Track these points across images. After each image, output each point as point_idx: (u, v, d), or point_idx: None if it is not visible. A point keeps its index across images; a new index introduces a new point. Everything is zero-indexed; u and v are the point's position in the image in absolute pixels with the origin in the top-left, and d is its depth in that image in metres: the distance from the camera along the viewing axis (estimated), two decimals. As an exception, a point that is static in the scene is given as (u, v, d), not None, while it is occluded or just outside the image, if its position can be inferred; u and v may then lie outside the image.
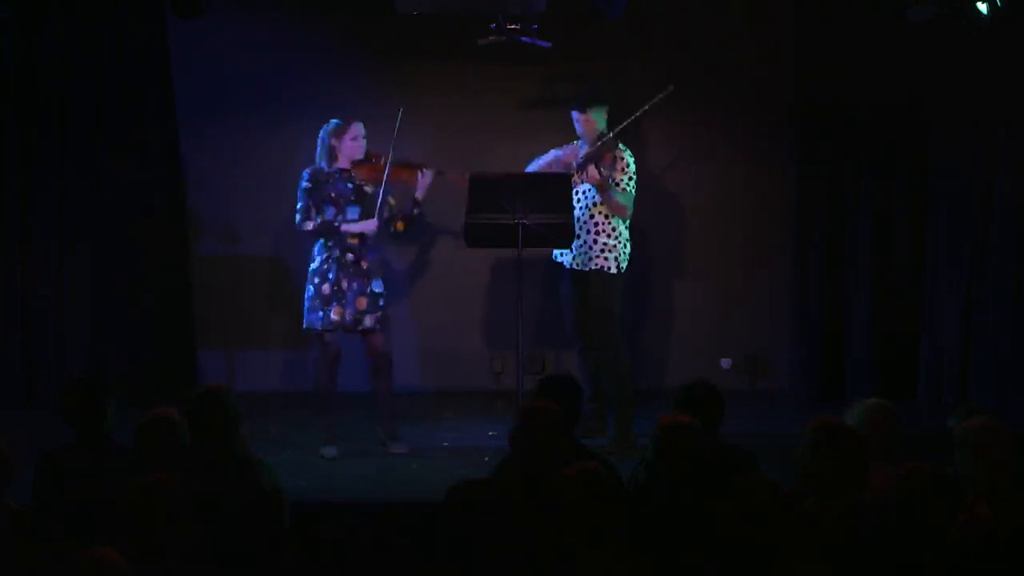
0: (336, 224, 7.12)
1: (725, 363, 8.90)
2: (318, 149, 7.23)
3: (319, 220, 7.14)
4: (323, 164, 7.22)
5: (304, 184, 7.17)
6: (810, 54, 8.54)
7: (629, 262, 7.52)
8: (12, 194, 8.42)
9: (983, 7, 7.39)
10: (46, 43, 8.35)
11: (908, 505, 4.25)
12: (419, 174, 7.21)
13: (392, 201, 7.28)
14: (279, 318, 8.90)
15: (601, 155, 7.30)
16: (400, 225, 7.30)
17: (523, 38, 7.64)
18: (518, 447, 4.90)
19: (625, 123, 7.33)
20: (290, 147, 8.72)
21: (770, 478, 4.18)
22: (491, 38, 7.69)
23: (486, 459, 6.90)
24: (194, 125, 8.64)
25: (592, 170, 7.26)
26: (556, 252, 7.61)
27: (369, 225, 7.13)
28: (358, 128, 7.18)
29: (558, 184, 7.16)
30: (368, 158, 7.21)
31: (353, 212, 7.18)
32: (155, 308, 8.49)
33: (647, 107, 7.31)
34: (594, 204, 7.43)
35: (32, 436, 6.03)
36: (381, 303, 7.21)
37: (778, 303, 8.89)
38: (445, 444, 7.54)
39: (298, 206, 7.17)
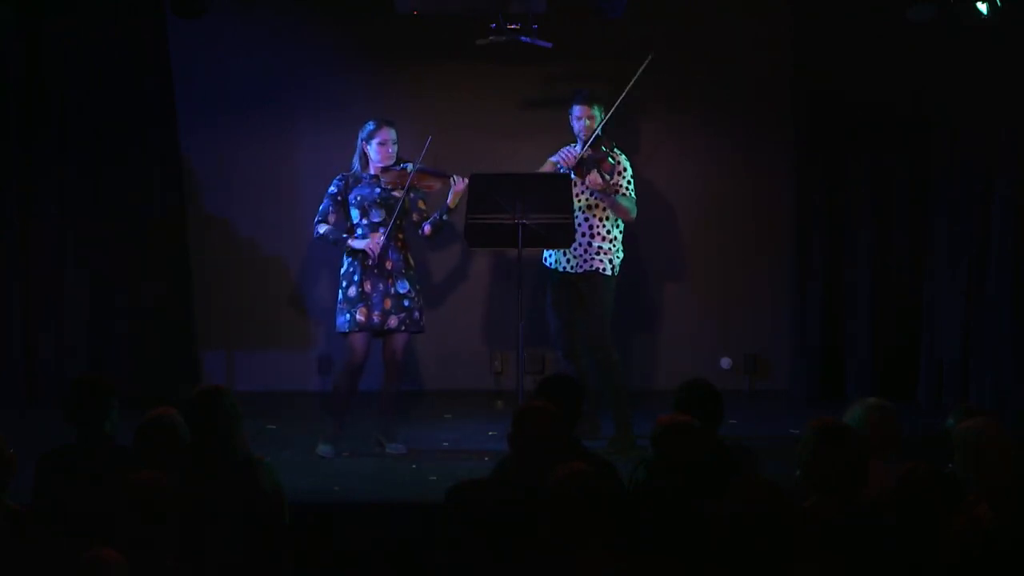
0: (344, 237, 7.18)
1: (725, 363, 8.89)
2: (356, 151, 7.30)
3: (332, 229, 7.19)
4: (357, 166, 7.29)
5: (332, 188, 7.28)
6: (810, 54, 8.54)
7: (622, 264, 7.51)
8: (13, 193, 8.41)
9: (983, 7, 7.40)
10: (46, 43, 8.35)
11: (908, 505, 4.25)
12: (452, 181, 7.23)
13: (422, 205, 7.33)
14: (279, 318, 8.90)
15: (601, 160, 7.27)
16: (429, 230, 7.34)
17: (523, 38, 7.63)
18: (516, 447, 4.89)
19: (616, 103, 7.30)
20: (290, 147, 8.75)
21: (770, 478, 4.18)
22: (491, 38, 7.68)
23: (486, 459, 6.90)
24: (194, 125, 8.64)
25: (595, 175, 7.25)
26: (547, 256, 7.60)
27: (370, 243, 7.14)
28: (386, 133, 7.22)
29: (558, 184, 7.14)
30: (397, 163, 7.24)
31: (377, 215, 7.20)
32: (155, 308, 8.47)
33: (632, 82, 7.26)
34: (588, 207, 7.42)
35: (32, 436, 6.03)
36: (406, 304, 7.19)
37: (778, 303, 8.88)
38: (445, 444, 7.54)
39: (320, 208, 7.26)
